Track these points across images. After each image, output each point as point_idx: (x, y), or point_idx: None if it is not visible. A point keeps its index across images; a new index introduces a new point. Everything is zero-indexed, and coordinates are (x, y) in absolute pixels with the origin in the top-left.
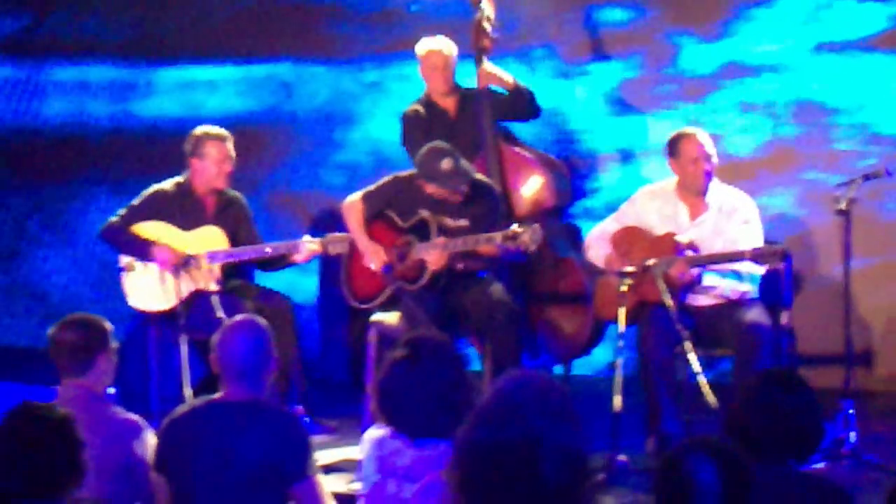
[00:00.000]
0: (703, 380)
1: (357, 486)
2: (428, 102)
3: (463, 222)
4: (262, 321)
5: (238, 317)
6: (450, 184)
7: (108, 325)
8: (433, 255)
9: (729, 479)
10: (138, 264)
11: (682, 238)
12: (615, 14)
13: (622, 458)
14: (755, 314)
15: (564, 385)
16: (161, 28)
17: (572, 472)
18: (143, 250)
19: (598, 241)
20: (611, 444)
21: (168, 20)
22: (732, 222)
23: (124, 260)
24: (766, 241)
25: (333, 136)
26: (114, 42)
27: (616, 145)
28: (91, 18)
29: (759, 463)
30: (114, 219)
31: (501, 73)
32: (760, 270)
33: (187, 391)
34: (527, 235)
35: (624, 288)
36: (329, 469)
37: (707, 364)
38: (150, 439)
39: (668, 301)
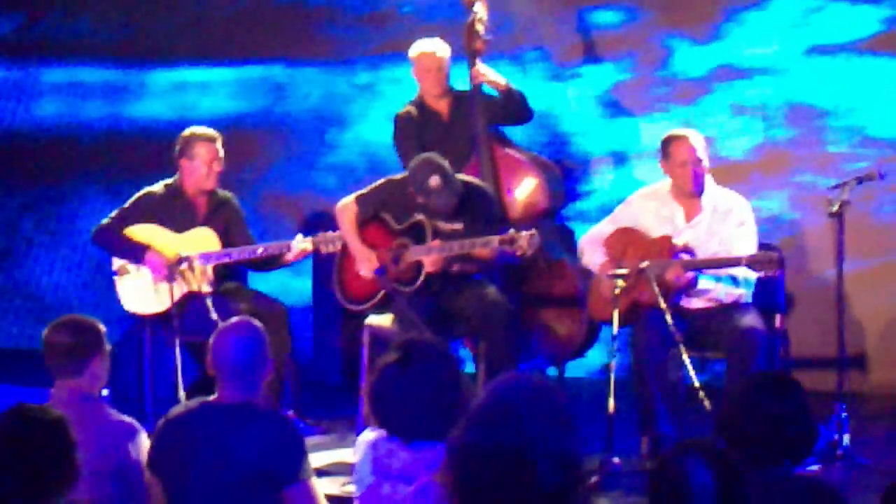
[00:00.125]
0: (697, 383)
1: (351, 489)
2: (421, 104)
3: (458, 225)
4: (257, 323)
5: (234, 319)
6: (436, 201)
7: (102, 327)
8: (429, 258)
9: (723, 482)
10: (131, 267)
11: (678, 241)
12: (607, 16)
13: (616, 460)
14: (749, 318)
15: (558, 387)
16: (154, 30)
17: (566, 474)
18: (134, 254)
19: (592, 246)
20: (605, 447)
21: (161, 22)
22: (727, 224)
23: (117, 263)
24: (761, 245)
25: (326, 137)
26: (106, 43)
27: (609, 148)
28: (84, 20)
29: (752, 465)
30: (105, 222)
31: (493, 75)
32: (756, 275)
33: (181, 393)
34: (524, 241)
35: (617, 290)
36: (322, 472)
37: (700, 366)
38: (145, 441)
39: (662, 304)
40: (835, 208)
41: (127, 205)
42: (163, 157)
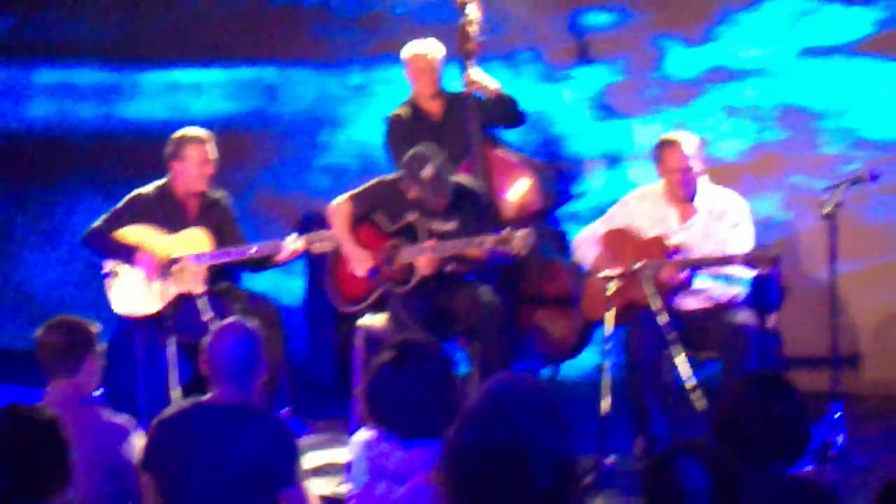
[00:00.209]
0: (691, 383)
1: (345, 489)
2: (414, 106)
3: (451, 226)
4: (252, 324)
5: (228, 319)
6: (429, 191)
7: (95, 327)
8: (422, 258)
9: (717, 482)
10: (123, 269)
11: (672, 241)
12: (600, 18)
13: (610, 460)
14: (743, 318)
15: (551, 388)
16: (147, 30)
17: (560, 474)
18: (125, 256)
19: (586, 243)
20: (598, 447)
21: (154, 23)
22: (723, 225)
23: (108, 265)
24: (756, 245)
25: (319, 139)
26: (99, 44)
27: (601, 149)
28: (77, 20)
29: (747, 466)
30: (95, 225)
31: (486, 81)
32: (750, 274)
33: (174, 393)
34: (519, 240)
35: (611, 291)
36: (316, 472)
37: (694, 366)
38: (138, 441)
39: (656, 304)
40: (828, 210)
41: (117, 207)
42: (155, 158)
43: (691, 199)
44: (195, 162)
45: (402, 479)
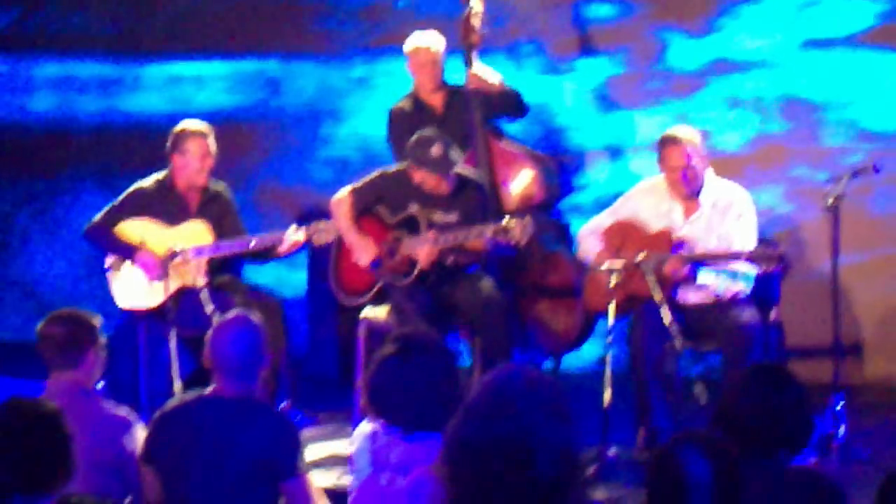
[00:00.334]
0: (693, 375)
1: (348, 481)
2: (415, 99)
3: (452, 217)
4: (254, 317)
5: (231, 313)
6: (438, 170)
7: (97, 320)
8: (423, 250)
9: (720, 474)
10: (124, 263)
11: (677, 235)
12: (603, 10)
13: (612, 452)
14: (747, 314)
15: (554, 379)
16: (148, 23)
17: (563, 466)
18: (125, 254)
19: (590, 237)
20: (601, 439)
21: (155, 16)
22: (727, 219)
23: (109, 259)
24: (761, 240)
25: (321, 131)
26: (101, 37)
27: (604, 141)
28: (78, 13)
29: (749, 457)
30: (96, 219)
31: (489, 76)
32: (755, 270)
33: (176, 386)
34: (518, 229)
35: (613, 283)
36: (319, 464)
37: (696, 359)
38: (140, 433)
39: (658, 297)
40: (830, 202)
41: (118, 201)
42: (157, 151)
43: (695, 195)
44: (196, 155)
45: (404, 471)
